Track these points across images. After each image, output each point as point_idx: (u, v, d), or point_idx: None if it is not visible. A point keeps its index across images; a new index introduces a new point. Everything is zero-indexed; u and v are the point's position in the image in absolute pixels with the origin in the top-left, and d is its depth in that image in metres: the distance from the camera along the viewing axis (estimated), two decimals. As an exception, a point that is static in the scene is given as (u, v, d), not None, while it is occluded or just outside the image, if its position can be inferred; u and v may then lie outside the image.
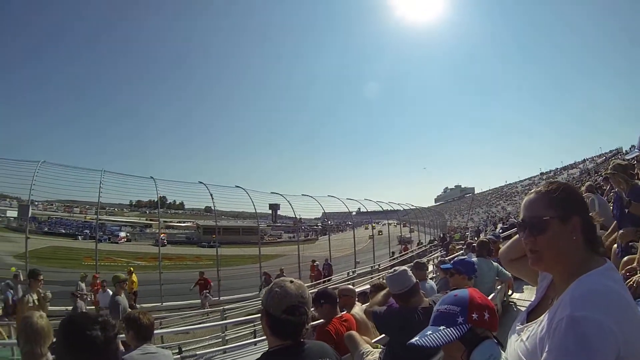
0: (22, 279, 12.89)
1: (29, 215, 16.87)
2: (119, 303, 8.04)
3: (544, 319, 1.42)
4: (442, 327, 1.61)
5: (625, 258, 3.79)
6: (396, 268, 3.84)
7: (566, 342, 1.23)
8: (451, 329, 1.59)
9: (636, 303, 2.50)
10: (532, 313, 1.64)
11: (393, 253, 32.53)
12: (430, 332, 1.63)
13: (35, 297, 7.81)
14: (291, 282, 2.03)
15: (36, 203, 24.09)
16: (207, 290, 17.40)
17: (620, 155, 59.60)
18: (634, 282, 3.04)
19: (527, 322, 1.60)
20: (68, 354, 1.59)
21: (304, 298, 1.98)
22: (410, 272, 3.70)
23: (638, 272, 3.28)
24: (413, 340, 1.65)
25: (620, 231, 4.60)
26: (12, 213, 38.98)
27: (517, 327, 1.62)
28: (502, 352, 1.58)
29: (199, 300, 17.25)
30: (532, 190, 1.61)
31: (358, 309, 5.29)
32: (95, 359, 1.56)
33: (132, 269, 15.91)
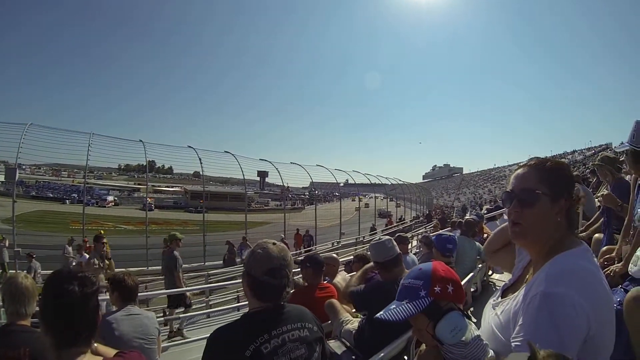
0: (7, 245, 13.06)
1: (16, 179, 16.61)
2: (177, 257, 8.79)
3: (519, 294, 1.47)
4: (405, 301, 1.62)
5: (604, 248, 3.83)
6: (381, 237, 3.84)
7: (538, 317, 1.28)
8: (413, 302, 1.60)
9: (613, 291, 2.60)
10: (507, 291, 1.70)
11: (373, 226, 31.59)
12: (394, 306, 1.65)
13: (98, 260, 8.40)
14: (274, 244, 2.04)
15: (23, 167, 23.73)
16: None
17: (610, 150, 59.74)
18: (610, 272, 3.12)
19: (500, 298, 1.67)
20: (47, 307, 1.62)
21: (285, 260, 2.00)
22: (394, 242, 3.70)
23: (615, 261, 3.37)
24: (378, 314, 1.67)
25: (606, 192, 4.63)
26: (-1, 177, 38.58)
27: (492, 302, 1.69)
28: (470, 323, 1.58)
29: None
30: (525, 163, 1.62)
31: (340, 277, 5.36)
32: (71, 313, 1.59)
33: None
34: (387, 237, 3.81)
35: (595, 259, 1.53)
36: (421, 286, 1.63)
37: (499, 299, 1.67)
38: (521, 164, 1.69)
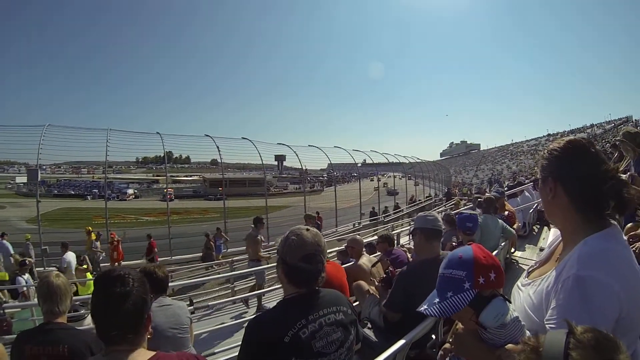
0: (31, 247, 13.80)
1: (38, 179, 16.93)
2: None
3: (550, 275, 1.50)
4: (449, 294, 1.58)
5: (629, 225, 3.83)
6: (432, 212, 3.87)
7: (571, 300, 1.32)
8: (458, 296, 1.55)
9: None
10: (533, 272, 1.73)
11: (373, 210, 29.39)
12: (437, 300, 1.61)
13: (262, 237, 9.90)
14: (307, 230, 2.03)
15: (44, 167, 24.13)
16: (152, 256, 15.25)
17: (631, 123, 58.71)
18: (636, 249, 3.11)
19: (526, 279, 1.70)
20: (91, 305, 1.67)
21: (320, 246, 2.00)
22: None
23: None
24: (421, 308, 1.64)
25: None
26: (21, 179, 39.36)
27: (520, 284, 1.71)
28: (509, 305, 1.57)
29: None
30: None
31: (366, 259, 5.42)
32: (106, 311, 1.63)
33: (89, 228, 15.57)
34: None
35: (625, 239, 1.53)
36: (464, 277, 1.58)
37: (527, 280, 1.70)
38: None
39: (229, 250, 18.03)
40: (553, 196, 1.54)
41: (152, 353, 1.66)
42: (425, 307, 1.63)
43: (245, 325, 1.93)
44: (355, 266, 5.26)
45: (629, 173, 4.62)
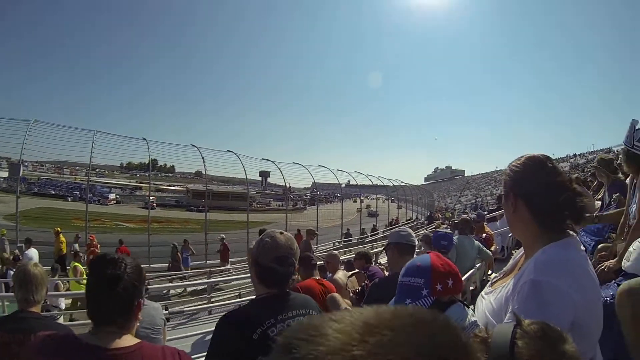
0: (7, 243, 13.48)
1: (20, 175, 16.66)
2: None
3: (510, 282, 1.55)
4: (407, 301, 1.63)
5: (600, 246, 3.94)
6: (405, 227, 3.93)
7: (528, 304, 1.36)
8: (416, 303, 1.61)
9: (606, 286, 2.70)
10: (496, 282, 1.77)
11: (348, 231, 28.26)
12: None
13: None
14: (281, 233, 2.09)
15: (26, 163, 23.74)
16: None
17: (612, 153, 59.67)
18: (605, 267, 3.21)
19: (490, 288, 1.75)
20: (86, 287, 1.72)
21: (292, 250, 2.05)
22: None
23: (610, 258, 3.47)
24: None
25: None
26: (2, 173, 38.77)
27: (487, 290, 1.75)
28: (469, 310, 1.64)
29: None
30: None
31: (342, 274, 5.45)
32: (98, 291, 1.66)
33: (59, 229, 15.33)
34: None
35: (583, 249, 1.61)
36: (422, 285, 1.64)
37: (490, 289, 1.75)
38: None
39: (207, 262, 17.90)
40: (514, 210, 1.61)
41: (138, 340, 1.69)
42: None
43: (217, 322, 1.96)
44: (331, 280, 5.30)
45: (616, 195, 4.73)
